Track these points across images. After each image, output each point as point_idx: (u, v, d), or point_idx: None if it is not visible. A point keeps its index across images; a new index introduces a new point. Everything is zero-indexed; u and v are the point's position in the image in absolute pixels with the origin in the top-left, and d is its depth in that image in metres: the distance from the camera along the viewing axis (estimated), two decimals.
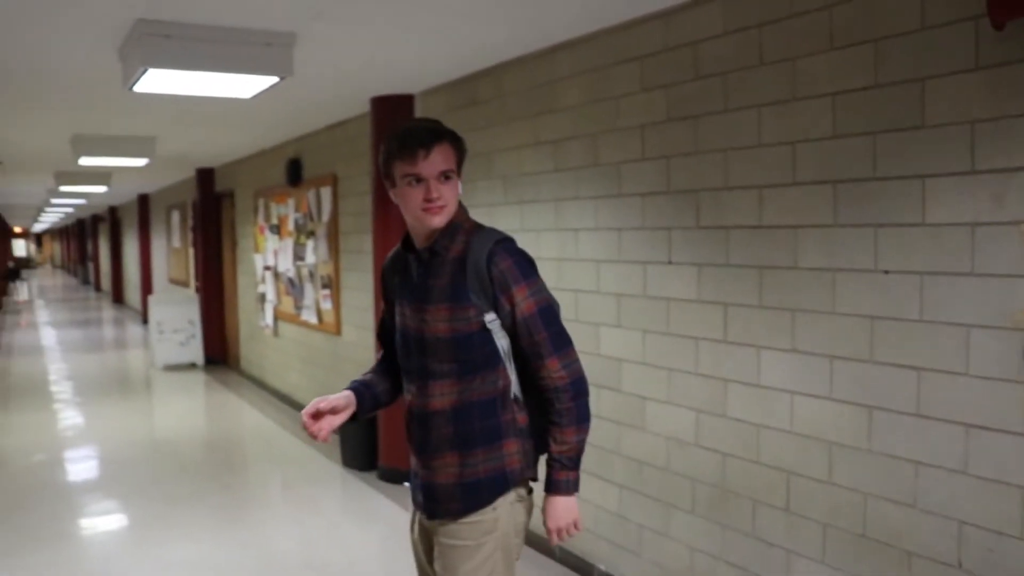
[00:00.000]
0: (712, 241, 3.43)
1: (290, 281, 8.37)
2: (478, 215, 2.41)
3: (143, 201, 17.20)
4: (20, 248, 45.49)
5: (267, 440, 7.44)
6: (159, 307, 11.41)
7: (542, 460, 2.34)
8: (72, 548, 4.91)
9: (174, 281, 14.66)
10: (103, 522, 5.47)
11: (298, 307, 8.19)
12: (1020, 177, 2.40)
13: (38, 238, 52.32)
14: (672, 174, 3.61)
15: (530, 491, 2.36)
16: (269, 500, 6.02)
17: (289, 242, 8.33)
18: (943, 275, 2.60)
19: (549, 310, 2.27)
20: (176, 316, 11.37)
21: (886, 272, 2.76)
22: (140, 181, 13.52)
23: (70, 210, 22.71)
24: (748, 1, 3.21)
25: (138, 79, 3.99)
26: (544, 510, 2.31)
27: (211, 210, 11.44)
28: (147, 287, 16.75)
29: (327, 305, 7.46)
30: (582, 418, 2.28)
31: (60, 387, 10.14)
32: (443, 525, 2.30)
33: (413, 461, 2.41)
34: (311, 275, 7.79)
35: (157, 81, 4.06)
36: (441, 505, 2.30)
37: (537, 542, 4.23)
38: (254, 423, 8.15)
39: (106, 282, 24.34)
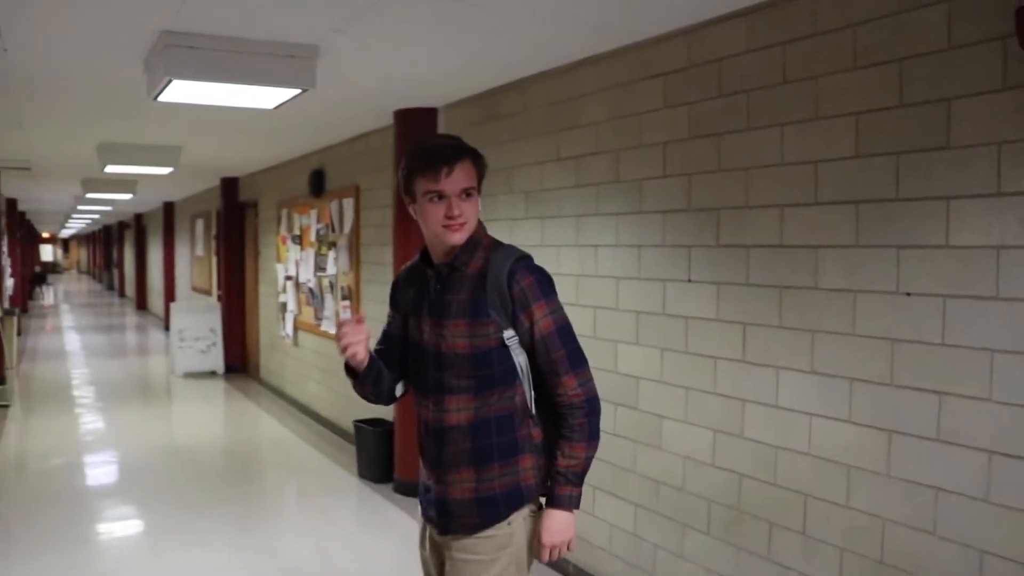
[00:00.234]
0: (732, 260, 3.40)
1: (310, 291, 8.40)
2: (499, 229, 2.41)
3: (168, 209, 17.36)
4: (47, 253, 46.06)
5: (284, 449, 7.46)
6: (181, 315, 11.50)
7: None
8: (89, 552, 4.93)
9: (197, 289, 14.77)
10: (120, 527, 5.49)
11: (318, 317, 8.22)
12: None
13: (65, 243, 53.01)
14: (693, 191, 3.59)
15: (540, 507, 2.34)
16: (285, 509, 6.03)
17: (311, 252, 8.37)
18: (967, 298, 2.56)
19: (567, 328, 2.28)
20: (198, 324, 11.45)
21: (908, 294, 2.72)
22: (165, 189, 13.67)
23: (96, 216, 22.99)
24: (772, 19, 3.19)
25: (163, 89, 4.03)
26: (541, 524, 2.29)
27: (235, 219, 11.53)
28: (170, 294, 16.90)
29: (347, 316, 7.47)
30: (593, 435, 2.28)
31: (81, 392, 10.23)
32: (456, 540, 2.30)
33: (424, 476, 2.40)
34: (331, 286, 7.82)
35: (181, 91, 4.10)
36: (456, 520, 2.29)
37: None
38: (272, 432, 8.18)
39: (130, 288, 24.57)
